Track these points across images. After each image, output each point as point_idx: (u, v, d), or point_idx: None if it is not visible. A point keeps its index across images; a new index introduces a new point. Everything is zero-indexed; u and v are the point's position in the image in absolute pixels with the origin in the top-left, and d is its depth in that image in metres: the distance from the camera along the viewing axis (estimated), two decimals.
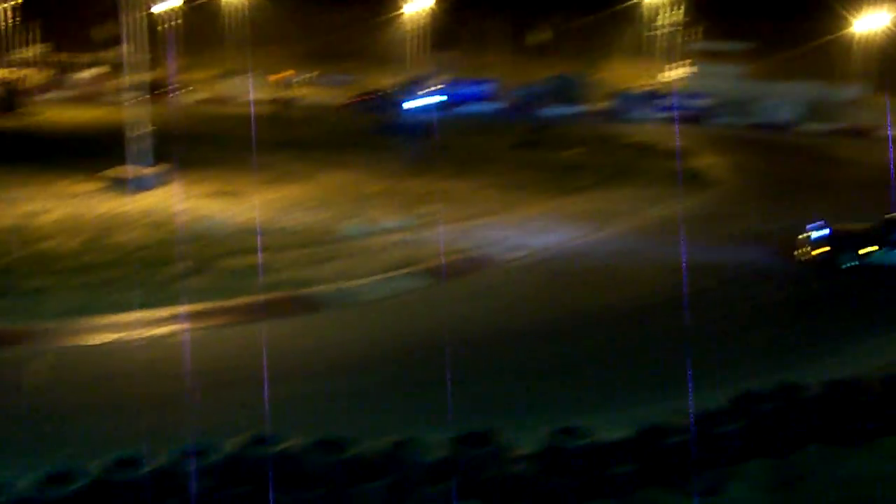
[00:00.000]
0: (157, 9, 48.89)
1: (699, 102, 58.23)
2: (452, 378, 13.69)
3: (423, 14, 65.76)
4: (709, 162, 39.34)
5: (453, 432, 11.05)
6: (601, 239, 25.85)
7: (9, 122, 47.77)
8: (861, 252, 22.03)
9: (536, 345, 16.94)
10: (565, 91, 61.87)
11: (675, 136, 44.05)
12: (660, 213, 28.92)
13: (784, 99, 58.10)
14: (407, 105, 53.48)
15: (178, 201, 28.31)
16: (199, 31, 63.30)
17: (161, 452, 10.21)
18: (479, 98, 62.01)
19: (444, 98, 57.39)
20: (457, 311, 18.80)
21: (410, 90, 56.93)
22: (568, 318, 18.58)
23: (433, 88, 57.78)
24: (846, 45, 58.45)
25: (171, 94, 52.89)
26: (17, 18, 68.11)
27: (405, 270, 21.51)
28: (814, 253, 22.54)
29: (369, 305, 19.47)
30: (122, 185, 29.96)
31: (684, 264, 20.33)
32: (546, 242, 24.93)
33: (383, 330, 17.83)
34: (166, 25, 51.31)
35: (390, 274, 21.21)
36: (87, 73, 67.21)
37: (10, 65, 66.03)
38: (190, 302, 18.16)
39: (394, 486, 10.29)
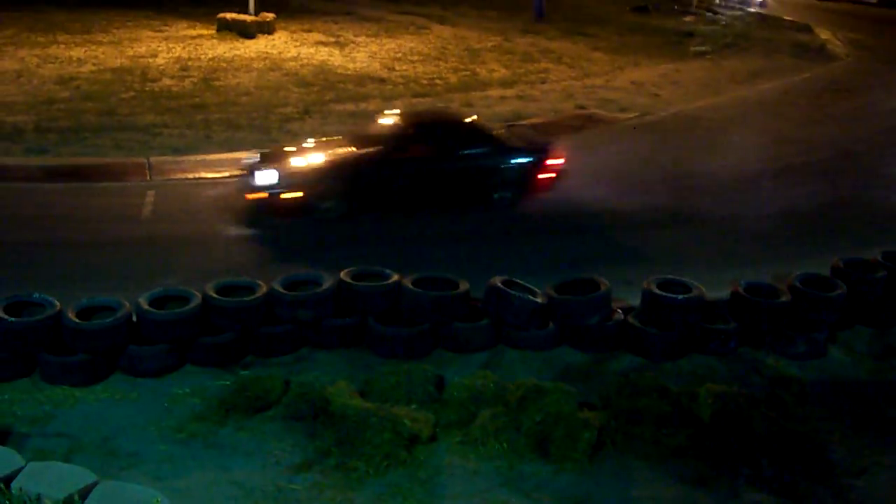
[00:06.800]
0: None
1: None
2: None
3: None
4: (828, 36, 37.06)
5: None
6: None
7: None
8: None
9: None
10: None
11: (797, 10, 42.00)
12: (774, 84, 27.82)
13: None
14: None
15: (287, 48, 28.54)
16: None
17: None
18: None
19: None
20: None
21: None
22: None
23: None
24: None
25: None
26: None
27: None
28: None
29: None
30: (232, 30, 30.10)
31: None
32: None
33: None
34: None
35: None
36: None
37: None
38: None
39: None
